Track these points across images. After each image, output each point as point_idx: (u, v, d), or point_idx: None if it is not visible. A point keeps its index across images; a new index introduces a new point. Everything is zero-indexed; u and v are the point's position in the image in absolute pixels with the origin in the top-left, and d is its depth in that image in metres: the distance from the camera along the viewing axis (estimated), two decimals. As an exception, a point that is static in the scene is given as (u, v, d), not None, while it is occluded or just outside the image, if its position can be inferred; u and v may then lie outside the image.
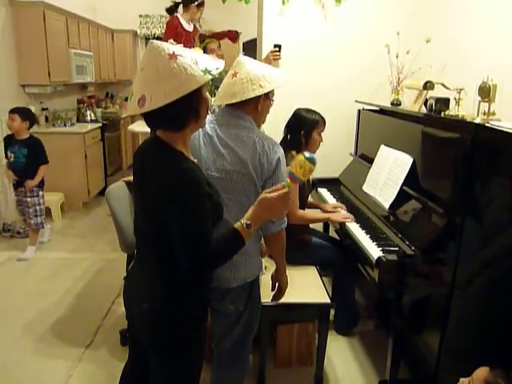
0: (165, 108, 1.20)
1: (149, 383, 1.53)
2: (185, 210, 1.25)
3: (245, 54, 1.78)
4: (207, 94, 1.33)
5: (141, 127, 4.43)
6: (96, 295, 3.23)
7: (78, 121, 5.74)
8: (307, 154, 1.34)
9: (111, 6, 6.98)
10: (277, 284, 1.88)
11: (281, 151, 1.66)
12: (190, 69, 1.21)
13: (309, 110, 2.56)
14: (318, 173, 3.04)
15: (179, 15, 4.25)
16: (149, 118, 1.29)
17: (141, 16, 7.20)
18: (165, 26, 4.35)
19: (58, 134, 5.03)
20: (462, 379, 1.54)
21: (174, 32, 4.15)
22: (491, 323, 1.90)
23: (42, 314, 2.98)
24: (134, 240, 1.51)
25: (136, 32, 7.31)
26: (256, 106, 1.66)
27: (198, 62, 1.23)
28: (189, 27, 4.24)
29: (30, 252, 3.86)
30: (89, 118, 5.86)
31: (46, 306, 3.07)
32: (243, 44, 7.19)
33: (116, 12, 7.00)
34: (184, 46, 1.30)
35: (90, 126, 5.43)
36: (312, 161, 1.33)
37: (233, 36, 4.12)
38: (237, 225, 1.35)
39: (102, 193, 5.50)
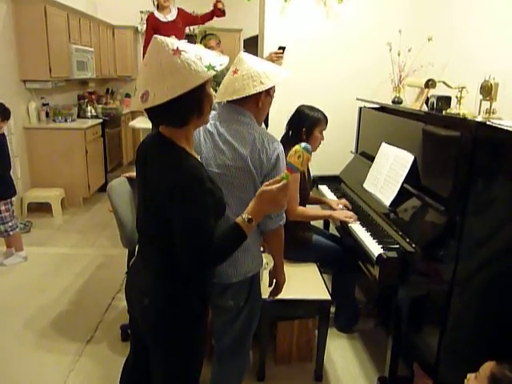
0: (168, 104, 1.19)
1: (150, 378, 1.54)
2: (187, 208, 1.25)
3: (245, 51, 1.79)
4: (211, 90, 1.33)
5: (142, 123, 4.44)
6: (96, 291, 3.24)
7: (79, 117, 5.73)
8: (303, 144, 1.37)
9: (112, 2, 6.98)
10: (274, 280, 1.89)
11: (280, 148, 1.66)
12: (193, 64, 1.20)
13: (312, 108, 2.56)
14: (319, 170, 3.08)
15: (155, 11, 4.26)
16: (152, 113, 1.29)
17: (142, 12, 7.17)
18: None
19: (58, 130, 5.04)
20: (469, 374, 1.56)
21: (150, 29, 4.15)
22: (491, 320, 1.91)
23: (43, 309, 2.98)
24: (135, 235, 1.52)
25: (137, 28, 7.29)
26: (257, 103, 1.66)
27: (202, 58, 1.23)
28: (166, 18, 4.22)
29: (14, 258, 3.67)
30: (89, 113, 5.85)
31: (46, 301, 3.08)
32: (244, 41, 7.19)
33: (117, 8, 6.99)
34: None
35: (90, 122, 5.43)
36: (308, 150, 1.36)
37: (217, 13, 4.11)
38: (238, 219, 1.35)
39: (102, 189, 5.51)
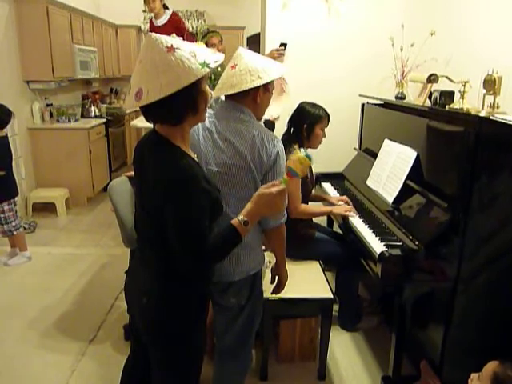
0: (162, 101, 1.18)
1: (150, 378, 1.53)
2: (182, 208, 1.24)
3: (249, 49, 1.78)
4: (207, 87, 1.31)
5: (144, 122, 4.42)
6: (100, 290, 3.24)
7: (83, 116, 5.75)
8: (304, 152, 1.41)
9: (115, 2, 6.97)
10: (276, 277, 1.88)
11: (280, 145, 1.65)
12: (187, 62, 1.19)
13: (314, 105, 2.54)
14: (322, 167, 3.05)
15: (153, 17, 4.54)
16: (146, 111, 1.27)
17: (144, 11, 7.15)
18: None
19: (62, 130, 5.05)
20: (472, 374, 1.54)
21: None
22: (495, 318, 1.88)
23: (46, 309, 2.99)
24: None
25: (140, 27, 7.28)
26: (255, 99, 1.65)
27: (196, 55, 1.21)
28: (157, 23, 4.47)
29: (18, 258, 3.68)
30: (93, 113, 5.87)
31: (50, 301, 3.08)
32: (247, 39, 7.17)
33: (120, 7, 6.99)
34: None
35: (94, 122, 5.43)
36: (310, 158, 1.40)
37: None
38: (234, 221, 1.34)
39: (106, 188, 5.50)
